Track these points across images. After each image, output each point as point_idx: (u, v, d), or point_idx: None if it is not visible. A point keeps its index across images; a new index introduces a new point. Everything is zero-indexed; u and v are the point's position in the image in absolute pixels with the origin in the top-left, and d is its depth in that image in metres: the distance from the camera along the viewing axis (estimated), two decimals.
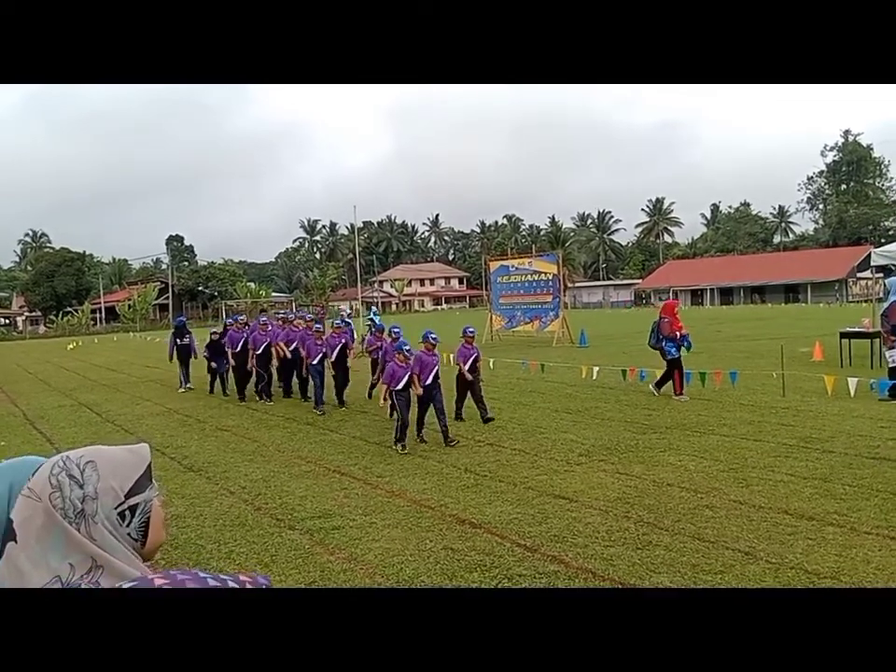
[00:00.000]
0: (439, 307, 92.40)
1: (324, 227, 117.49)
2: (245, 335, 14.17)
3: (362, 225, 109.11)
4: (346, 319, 13.77)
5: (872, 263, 15.66)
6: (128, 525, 1.19)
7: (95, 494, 1.15)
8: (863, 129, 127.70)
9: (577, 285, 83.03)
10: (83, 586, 1.10)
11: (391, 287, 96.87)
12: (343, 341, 12.76)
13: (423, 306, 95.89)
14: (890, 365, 10.78)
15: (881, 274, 19.13)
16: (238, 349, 14.02)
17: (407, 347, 9.34)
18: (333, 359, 12.48)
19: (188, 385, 16.38)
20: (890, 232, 79.21)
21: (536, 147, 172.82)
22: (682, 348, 11.73)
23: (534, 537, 5.66)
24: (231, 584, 1.14)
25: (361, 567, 5.20)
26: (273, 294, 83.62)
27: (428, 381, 9.29)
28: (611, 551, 5.30)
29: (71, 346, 39.12)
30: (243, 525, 6.31)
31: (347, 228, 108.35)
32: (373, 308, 23.89)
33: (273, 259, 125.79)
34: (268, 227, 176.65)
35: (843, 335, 15.03)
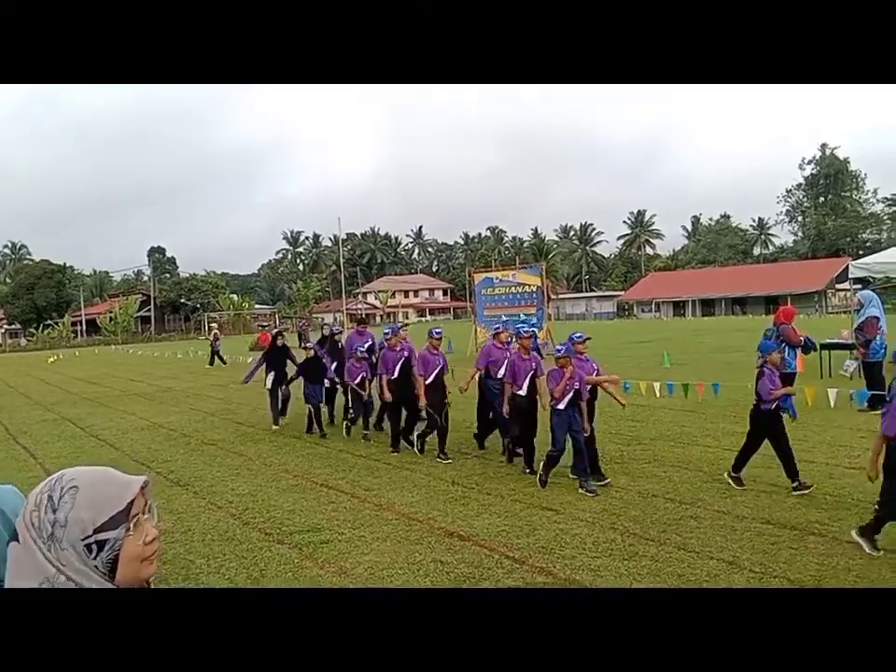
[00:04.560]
0: (423, 318, 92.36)
1: (307, 238, 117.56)
2: (406, 354, 9.91)
3: (346, 237, 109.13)
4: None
5: (850, 275, 15.94)
6: (94, 559, 1.19)
7: (65, 522, 1.16)
8: (840, 142, 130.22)
9: (560, 296, 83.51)
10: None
11: (375, 298, 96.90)
12: (597, 367, 8.37)
13: (407, 318, 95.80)
14: (842, 374, 10.92)
15: (859, 286, 19.48)
16: (396, 374, 9.76)
17: None
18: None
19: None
20: (868, 244, 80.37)
21: (519, 160, 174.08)
22: (804, 353, 10.70)
23: (522, 549, 5.71)
24: None
25: (351, 581, 5.23)
26: (256, 306, 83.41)
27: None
28: (598, 562, 5.36)
29: (52, 359, 38.72)
30: (231, 540, 6.31)
31: (331, 239, 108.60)
32: (522, 315, 20.56)
33: (256, 271, 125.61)
34: (251, 238, 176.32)
35: (822, 346, 15.23)
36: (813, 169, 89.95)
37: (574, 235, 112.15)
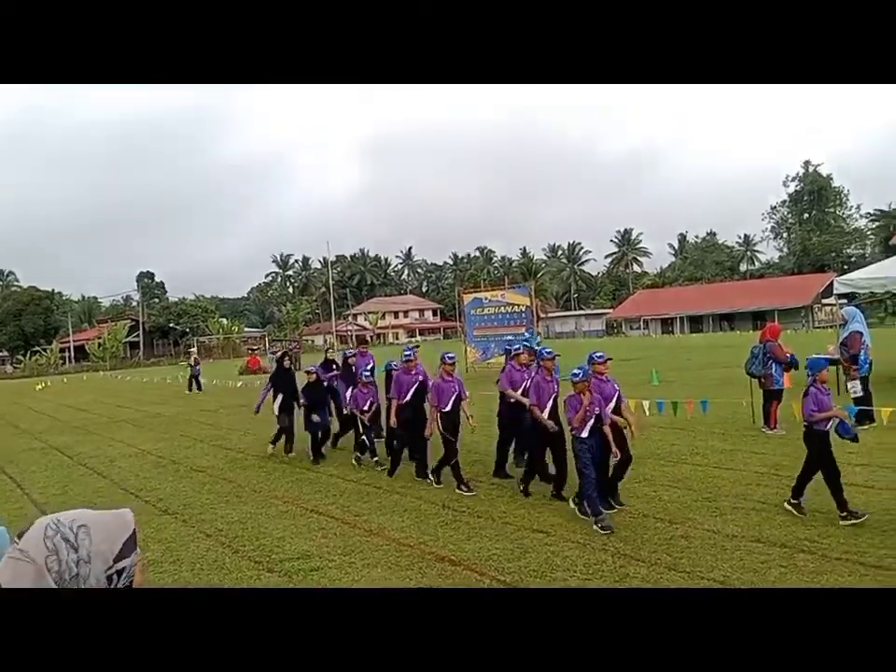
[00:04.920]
0: (413, 339, 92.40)
1: (297, 261, 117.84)
2: (421, 378, 9.49)
3: (335, 259, 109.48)
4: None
5: (835, 292, 16.08)
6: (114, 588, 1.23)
7: (88, 558, 1.19)
8: (823, 159, 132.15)
9: (549, 315, 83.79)
10: None
11: (365, 319, 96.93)
12: (618, 389, 7.64)
13: (397, 339, 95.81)
14: (853, 396, 10.92)
15: (845, 300, 19.67)
16: (408, 399, 9.35)
17: None
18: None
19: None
20: (853, 259, 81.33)
21: (506, 180, 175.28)
22: (786, 370, 10.85)
23: (513, 572, 5.69)
24: None
25: None
26: (246, 329, 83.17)
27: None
28: (589, 584, 5.35)
29: (39, 387, 38.44)
30: (221, 569, 6.26)
31: (320, 262, 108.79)
32: (526, 333, 20.47)
33: (246, 295, 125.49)
34: (240, 262, 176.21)
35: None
36: (797, 186, 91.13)
37: (562, 254, 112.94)
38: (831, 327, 44.87)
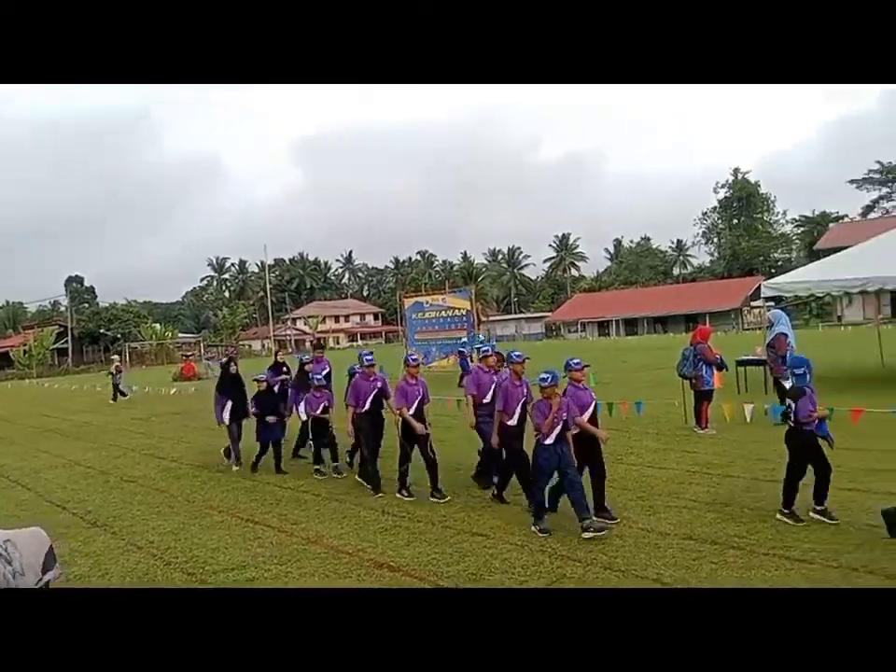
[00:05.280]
0: (354, 343, 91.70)
1: (233, 265, 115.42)
2: (379, 385, 9.02)
3: (273, 262, 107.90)
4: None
5: (762, 295, 16.67)
6: None
7: (22, 570, 1.19)
8: (751, 166, 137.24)
9: (490, 319, 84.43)
10: None
11: (305, 324, 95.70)
12: (594, 398, 7.47)
13: (338, 343, 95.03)
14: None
15: (772, 303, 20.40)
16: (367, 407, 8.88)
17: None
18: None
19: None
20: (780, 263, 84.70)
21: (447, 184, 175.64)
22: (714, 377, 11.15)
23: (451, 576, 5.69)
24: None
25: None
26: (180, 335, 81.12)
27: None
28: (526, 586, 5.39)
29: None
30: (152, 582, 6.06)
31: (258, 265, 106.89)
32: (480, 336, 19.91)
33: (180, 299, 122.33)
34: (174, 266, 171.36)
35: (738, 363, 15.85)
36: (727, 192, 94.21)
37: (502, 258, 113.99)
38: (759, 329, 46.54)
